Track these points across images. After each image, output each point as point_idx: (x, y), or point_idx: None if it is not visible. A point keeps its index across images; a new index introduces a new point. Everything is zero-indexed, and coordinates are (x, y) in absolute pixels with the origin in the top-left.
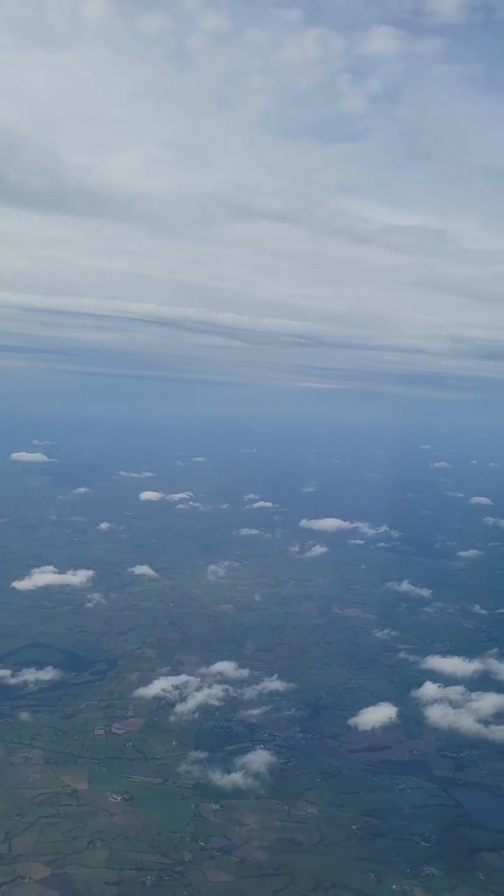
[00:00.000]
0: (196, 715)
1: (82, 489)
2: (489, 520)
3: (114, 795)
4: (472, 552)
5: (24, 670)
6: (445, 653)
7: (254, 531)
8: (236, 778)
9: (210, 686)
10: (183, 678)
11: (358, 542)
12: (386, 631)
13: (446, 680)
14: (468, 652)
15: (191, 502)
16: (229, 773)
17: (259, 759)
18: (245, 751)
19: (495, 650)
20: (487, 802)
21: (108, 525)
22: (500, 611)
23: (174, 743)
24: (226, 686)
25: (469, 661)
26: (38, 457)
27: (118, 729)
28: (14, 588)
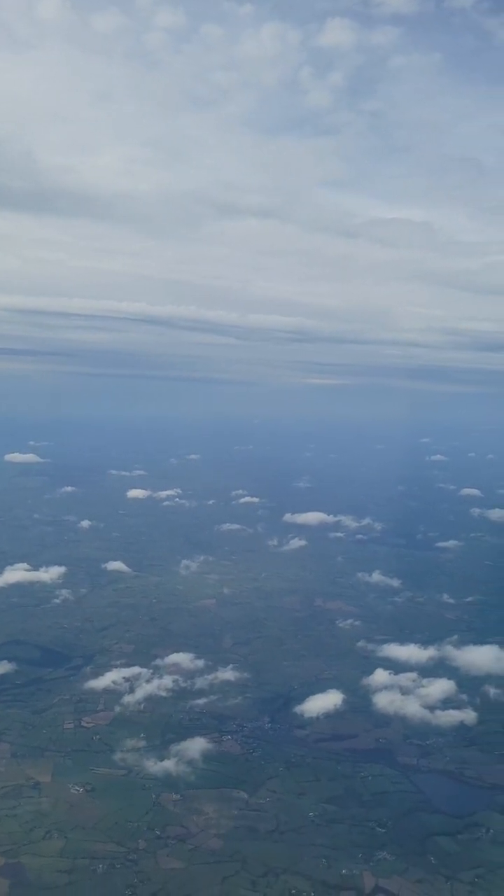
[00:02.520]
0: (142, 706)
1: (69, 488)
2: (476, 511)
3: (76, 787)
4: (451, 543)
5: None
6: (404, 641)
7: (235, 526)
8: (168, 765)
9: (161, 677)
10: (135, 670)
11: (338, 535)
12: (350, 621)
13: (400, 667)
14: (428, 640)
15: (177, 499)
16: (162, 760)
17: (196, 746)
18: (182, 739)
19: (455, 637)
20: (448, 788)
21: (90, 523)
22: (469, 599)
23: (141, 735)
24: (176, 677)
25: (425, 649)
26: (31, 457)
27: (87, 723)
28: None
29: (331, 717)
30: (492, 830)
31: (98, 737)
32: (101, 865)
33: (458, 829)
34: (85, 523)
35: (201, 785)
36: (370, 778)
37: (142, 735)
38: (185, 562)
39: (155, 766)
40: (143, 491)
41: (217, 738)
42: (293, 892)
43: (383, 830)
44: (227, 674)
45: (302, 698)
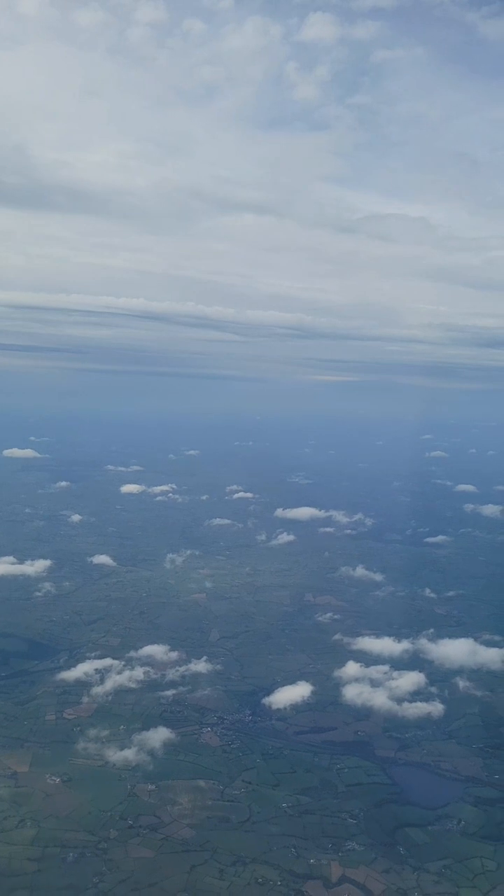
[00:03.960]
0: (110, 697)
1: (64, 483)
2: (469, 506)
3: (53, 777)
4: (440, 538)
5: None
6: (381, 634)
7: (226, 521)
8: (128, 754)
9: (132, 668)
10: (107, 661)
11: (328, 530)
12: (329, 615)
13: (374, 660)
14: (404, 633)
15: (171, 494)
16: (122, 749)
17: (159, 736)
18: (144, 729)
19: (431, 631)
20: (423, 780)
21: (81, 517)
22: (450, 594)
23: (121, 727)
24: (148, 668)
25: (399, 642)
26: (29, 453)
27: (69, 714)
28: None
29: (298, 708)
30: (463, 822)
31: (79, 728)
32: (71, 854)
33: (429, 820)
34: (75, 517)
35: (177, 776)
36: (346, 770)
37: (122, 727)
38: (170, 556)
39: (129, 756)
40: (137, 486)
41: (197, 731)
42: (260, 880)
43: (354, 821)
44: (200, 666)
45: (273, 689)
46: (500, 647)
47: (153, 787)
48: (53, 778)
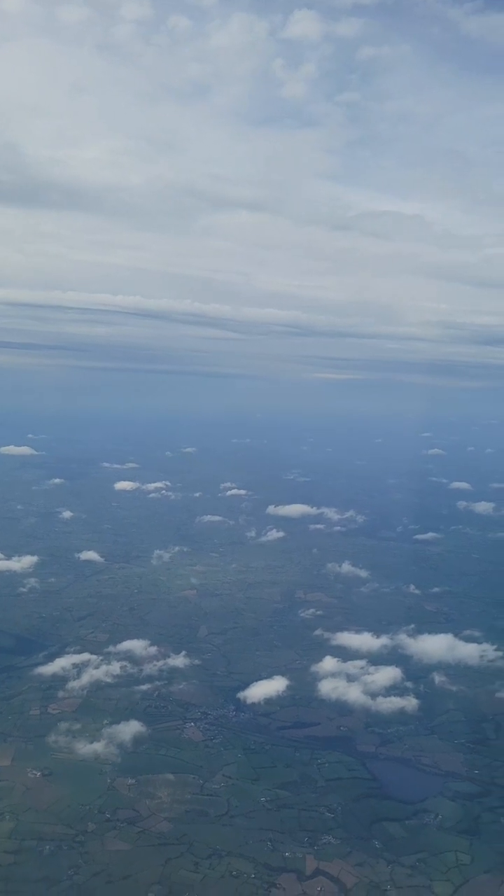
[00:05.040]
0: (85, 691)
1: (58, 480)
2: (462, 504)
3: (34, 771)
4: (430, 535)
5: None
6: (361, 629)
7: (217, 518)
8: (109, 749)
9: (109, 663)
10: (85, 656)
11: (318, 526)
12: (311, 610)
13: (352, 655)
14: (385, 629)
15: (164, 491)
16: (103, 744)
17: (130, 729)
18: (127, 724)
19: (412, 627)
20: (402, 775)
21: (72, 514)
22: (435, 590)
23: (104, 722)
24: (125, 663)
25: (378, 637)
26: (26, 450)
27: (54, 709)
28: None
29: (272, 702)
30: (440, 816)
31: (62, 723)
32: (47, 847)
33: (407, 814)
34: (67, 514)
35: (157, 770)
36: (327, 765)
37: (105, 722)
38: (161, 552)
39: (110, 751)
40: (131, 483)
41: (180, 726)
42: (234, 873)
43: (332, 815)
44: (178, 661)
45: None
46: (480, 642)
47: (133, 781)
48: (34, 772)
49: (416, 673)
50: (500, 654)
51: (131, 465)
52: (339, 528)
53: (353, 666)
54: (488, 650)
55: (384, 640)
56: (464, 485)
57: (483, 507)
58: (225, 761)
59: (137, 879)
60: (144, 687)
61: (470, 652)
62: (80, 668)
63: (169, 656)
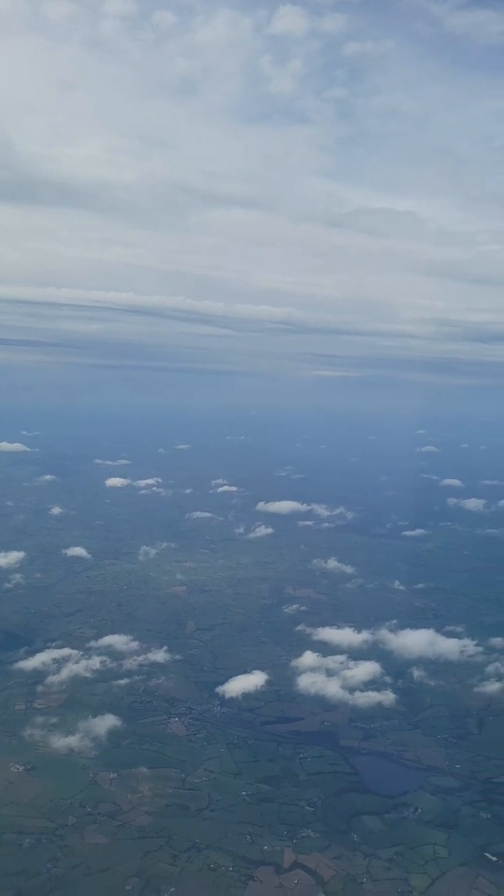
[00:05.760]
0: (63, 686)
1: (49, 476)
2: (452, 500)
3: (17, 766)
4: (418, 531)
5: None
6: (343, 625)
7: (206, 514)
8: (92, 743)
9: (89, 658)
10: (65, 651)
11: (307, 523)
12: (296, 606)
13: (333, 650)
14: (367, 624)
15: (155, 488)
16: (86, 738)
17: (113, 724)
18: (111, 718)
19: (394, 622)
20: (383, 769)
21: (61, 510)
22: (419, 586)
23: (89, 717)
24: (104, 658)
25: (359, 633)
26: (18, 447)
27: (39, 704)
28: None
29: (249, 696)
30: (420, 810)
31: (46, 718)
32: (27, 840)
33: (386, 808)
34: (56, 510)
35: (140, 764)
36: (309, 759)
37: (89, 717)
38: (147, 548)
39: (93, 745)
40: (122, 480)
41: (164, 720)
42: (212, 866)
43: (312, 809)
44: (158, 655)
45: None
46: (461, 637)
47: (115, 775)
48: (17, 766)
49: (395, 668)
50: (480, 649)
51: (123, 461)
52: (327, 524)
53: (333, 661)
54: (469, 645)
55: (365, 635)
56: (455, 482)
57: (473, 503)
58: (208, 756)
59: (115, 872)
60: (123, 682)
61: (450, 647)
62: (59, 664)
63: (150, 651)
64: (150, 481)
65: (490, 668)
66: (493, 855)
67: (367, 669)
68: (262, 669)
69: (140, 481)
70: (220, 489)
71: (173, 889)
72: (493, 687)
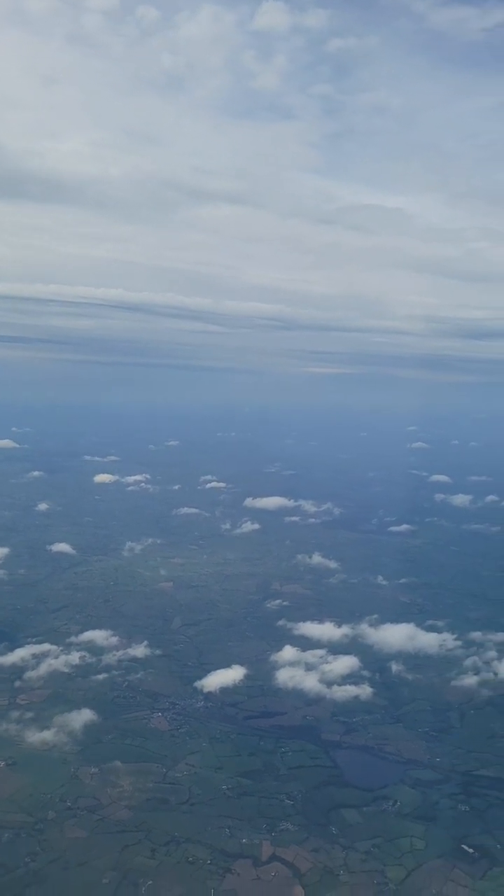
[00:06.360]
0: (42, 682)
1: (37, 473)
2: (439, 496)
3: None
4: (404, 527)
5: None
6: (324, 619)
7: (194, 510)
8: (73, 738)
9: (68, 653)
10: (45, 647)
11: (294, 519)
12: (278, 601)
13: (313, 644)
14: (348, 618)
15: (143, 484)
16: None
17: (95, 719)
18: (93, 713)
19: (375, 616)
20: (363, 763)
21: (47, 506)
22: (402, 581)
23: (72, 712)
24: (84, 653)
25: (339, 627)
26: (7, 443)
27: (22, 700)
28: None
29: (227, 691)
30: (399, 803)
31: (28, 713)
32: (6, 834)
33: (365, 801)
34: (43, 506)
35: (121, 759)
36: (290, 753)
37: (72, 712)
38: (134, 544)
39: (74, 740)
40: (110, 476)
41: (147, 715)
42: (190, 859)
43: (292, 803)
44: (138, 650)
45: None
46: (441, 631)
47: (96, 770)
48: None
49: (374, 662)
50: (459, 643)
51: (113, 458)
52: (314, 520)
53: (312, 655)
54: (448, 639)
55: (345, 629)
56: (443, 478)
57: (460, 499)
58: (189, 750)
59: (93, 866)
60: (101, 677)
61: (430, 641)
62: (39, 659)
63: (130, 647)
64: (138, 477)
65: (468, 662)
66: (470, 847)
67: (345, 663)
68: (242, 664)
69: (128, 478)
70: (209, 485)
71: (150, 882)
72: (470, 680)
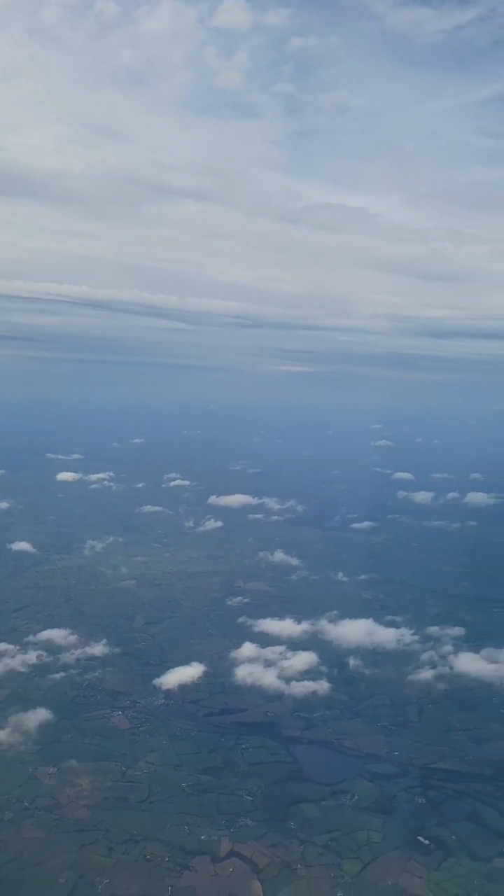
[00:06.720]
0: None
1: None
2: (402, 493)
3: None
4: (366, 524)
5: None
6: (284, 616)
7: (157, 508)
8: (31, 738)
9: (25, 652)
10: (2, 646)
11: (257, 516)
12: (239, 598)
13: (273, 641)
14: (308, 615)
15: (106, 482)
16: (25, 733)
17: (55, 718)
18: (52, 712)
19: (334, 613)
20: (323, 758)
21: (8, 504)
22: (362, 577)
23: (30, 711)
24: (41, 652)
25: (299, 623)
26: None
27: None
28: None
29: (186, 687)
30: (356, 797)
31: None
32: None
33: (324, 796)
34: (3, 505)
35: (80, 758)
36: (250, 750)
37: (30, 711)
38: (95, 543)
39: (32, 739)
40: (73, 474)
41: (107, 714)
42: (148, 857)
43: (251, 798)
44: (97, 649)
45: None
46: (399, 627)
47: (54, 769)
48: None
49: (333, 658)
50: (416, 637)
51: (76, 456)
52: (277, 517)
53: (271, 652)
54: (406, 634)
55: (305, 626)
56: (406, 475)
57: (422, 496)
58: (150, 748)
59: (50, 866)
60: (59, 676)
61: (388, 636)
62: None
63: (88, 645)
64: (101, 475)
65: (425, 657)
66: (427, 838)
67: (304, 660)
68: (202, 661)
69: (92, 476)
70: (173, 483)
71: (107, 881)
72: (427, 674)
